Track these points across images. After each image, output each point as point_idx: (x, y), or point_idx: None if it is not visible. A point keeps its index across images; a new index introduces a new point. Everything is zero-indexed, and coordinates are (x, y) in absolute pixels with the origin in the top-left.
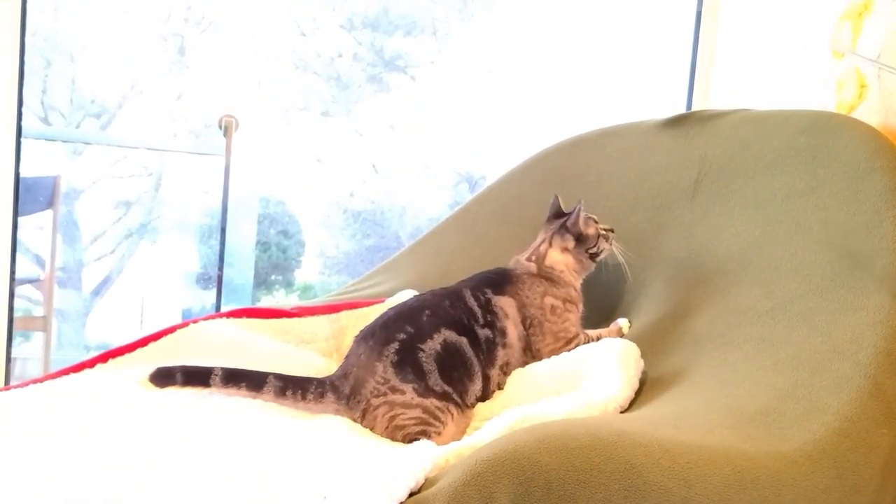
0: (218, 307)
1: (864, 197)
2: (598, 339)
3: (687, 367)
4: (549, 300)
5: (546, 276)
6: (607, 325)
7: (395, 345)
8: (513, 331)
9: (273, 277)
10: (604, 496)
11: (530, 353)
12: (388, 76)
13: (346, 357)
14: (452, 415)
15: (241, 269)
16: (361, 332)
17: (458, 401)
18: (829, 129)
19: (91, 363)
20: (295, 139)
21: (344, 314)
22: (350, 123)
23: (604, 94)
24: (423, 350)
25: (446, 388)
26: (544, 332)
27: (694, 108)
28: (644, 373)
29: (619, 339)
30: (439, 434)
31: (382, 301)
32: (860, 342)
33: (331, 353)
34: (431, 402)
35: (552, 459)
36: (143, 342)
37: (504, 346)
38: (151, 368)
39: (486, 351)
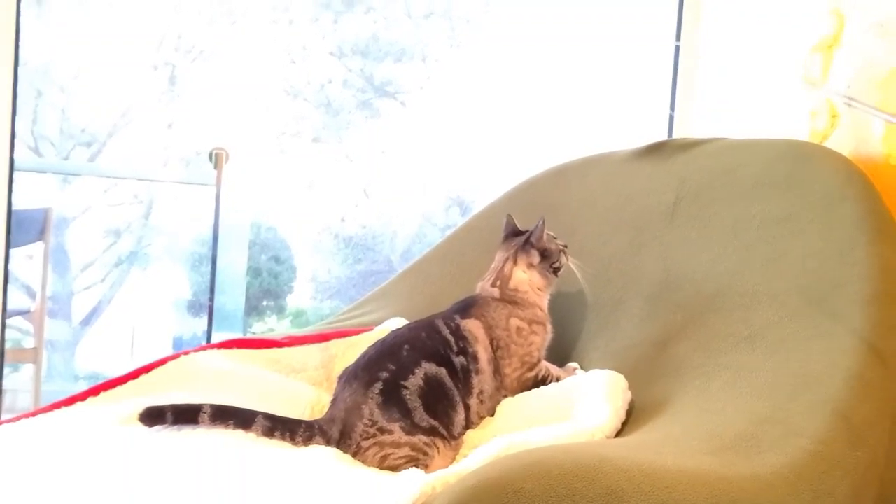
0: (209, 336)
1: (837, 224)
2: (557, 378)
3: (670, 395)
4: (514, 321)
5: (509, 299)
6: (593, 361)
7: (379, 385)
8: (483, 355)
9: (265, 303)
10: None
11: (499, 377)
12: (379, 102)
13: (333, 401)
14: (439, 448)
15: (232, 296)
16: (344, 372)
17: (445, 433)
18: (804, 158)
19: (82, 396)
20: (286, 165)
21: (334, 343)
22: (341, 149)
23: (589, 118)
24: (406, 387)
25: (432, 422)
26: (511, 354)
27: (674, 136)
28: (631, 403)
29: (606, 371)
30: (427, 467)
31: (372, 329)
32: (834, 366)
33: (321, 383)
34: (419, 439)
35: (535, 486)
36: (134, 375)
37: (477, 372)
38: (143, 401)
39: (463, 380)
